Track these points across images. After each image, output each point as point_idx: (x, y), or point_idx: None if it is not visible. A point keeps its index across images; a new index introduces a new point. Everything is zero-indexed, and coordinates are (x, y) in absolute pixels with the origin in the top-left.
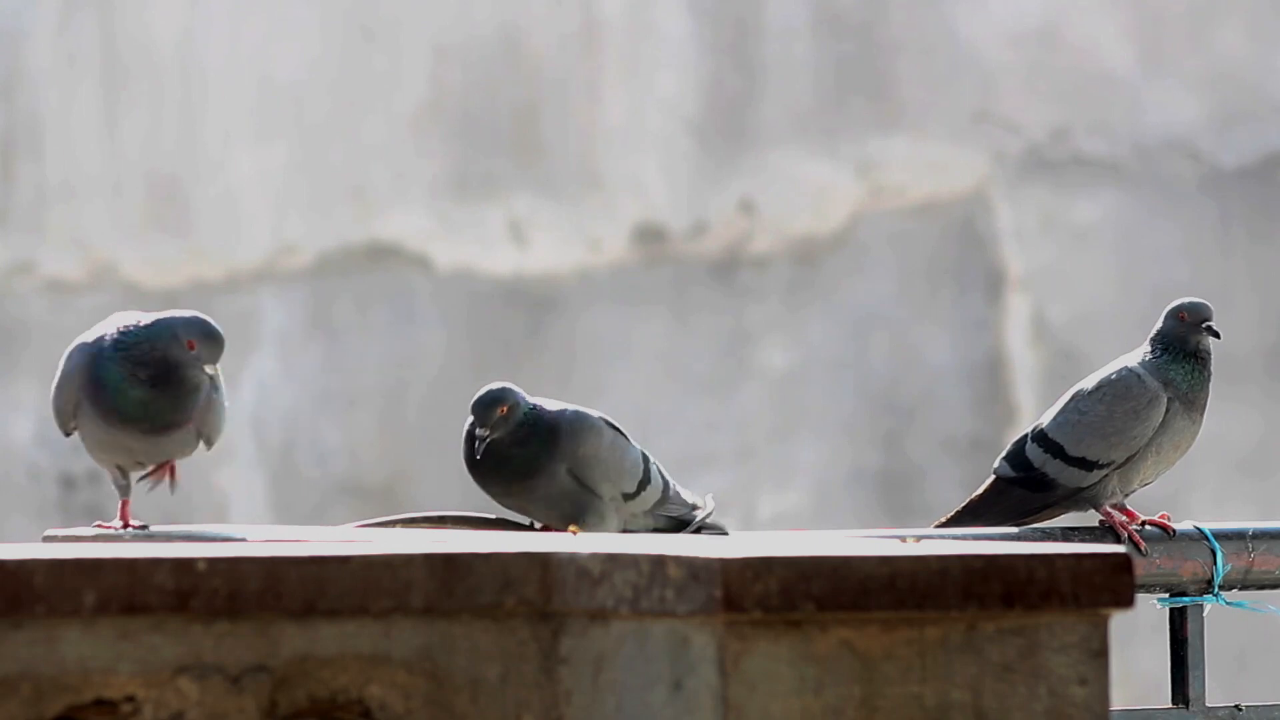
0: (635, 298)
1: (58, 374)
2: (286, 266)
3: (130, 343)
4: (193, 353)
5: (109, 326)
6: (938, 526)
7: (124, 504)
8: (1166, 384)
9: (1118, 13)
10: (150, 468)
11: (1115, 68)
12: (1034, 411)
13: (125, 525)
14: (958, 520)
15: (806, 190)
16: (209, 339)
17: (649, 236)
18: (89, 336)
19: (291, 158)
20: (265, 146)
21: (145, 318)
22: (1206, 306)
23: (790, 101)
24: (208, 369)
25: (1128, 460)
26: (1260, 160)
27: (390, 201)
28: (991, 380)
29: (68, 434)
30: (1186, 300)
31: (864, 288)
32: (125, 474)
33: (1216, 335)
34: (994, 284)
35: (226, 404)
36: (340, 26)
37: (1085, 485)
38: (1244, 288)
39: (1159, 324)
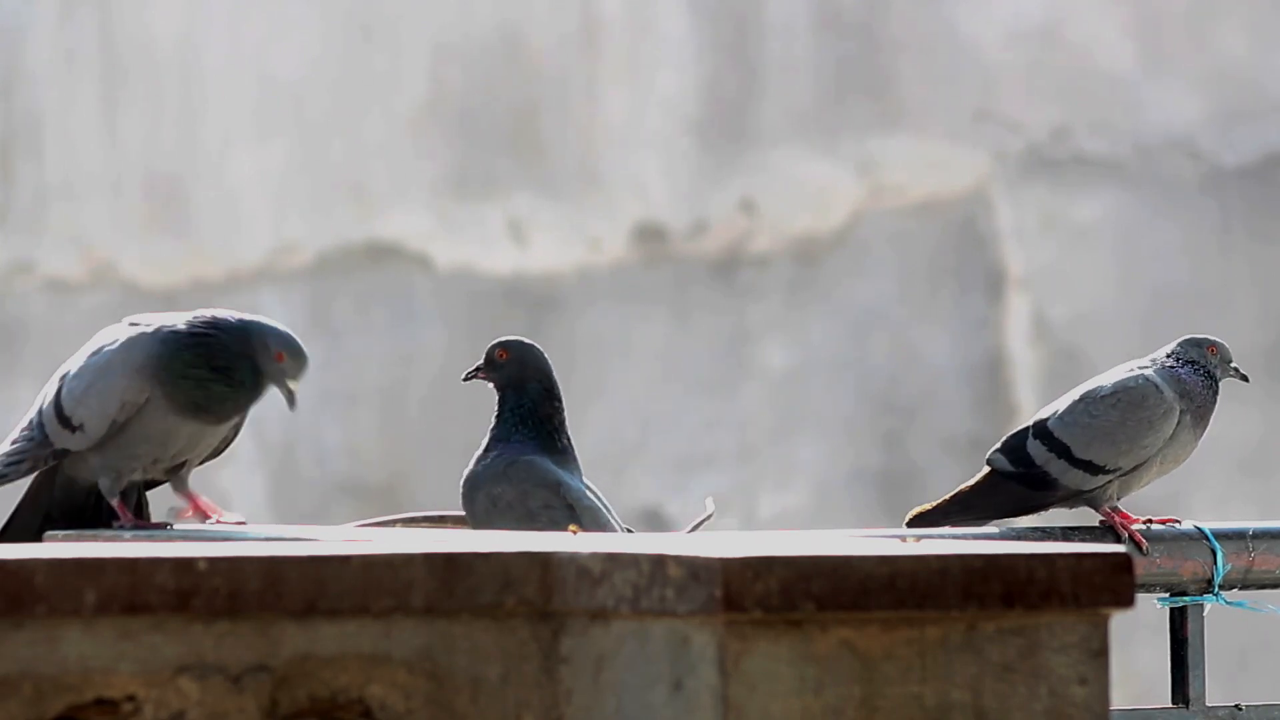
0: (635, 297)
1: (114, 368)
2: (286, 266)
3: (212, 338)
4: (280, 364)
5: (173, 320)
6: (920, 513)
7: (122, 505)
8: (1182, 395)
9: (1118, 12)
10: (187, 507)
11: (1115, 67)
12: (1034, 412)
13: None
14: (945, 509)
15: (807, 190)
16: (297, 356)
17: (649, 236)
18: (145, 329)
19: (291, 157)
20: (265, 146)
21: (230, 315)
22: (1229, 349)
23: (790, 101)
24: (290, 384)
25: (1134, 469)
26: (1260, 160)
27: (390, 201)
28: (991, 380)
29: (104, 433)
30: (1208, 337)
31: (864, 287)
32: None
33: (1245, 379)
34: (994, 284)
35: None
36: (340, 26)
37: (1087, 488)
38: (1244, 288)
39: (1179, 350)
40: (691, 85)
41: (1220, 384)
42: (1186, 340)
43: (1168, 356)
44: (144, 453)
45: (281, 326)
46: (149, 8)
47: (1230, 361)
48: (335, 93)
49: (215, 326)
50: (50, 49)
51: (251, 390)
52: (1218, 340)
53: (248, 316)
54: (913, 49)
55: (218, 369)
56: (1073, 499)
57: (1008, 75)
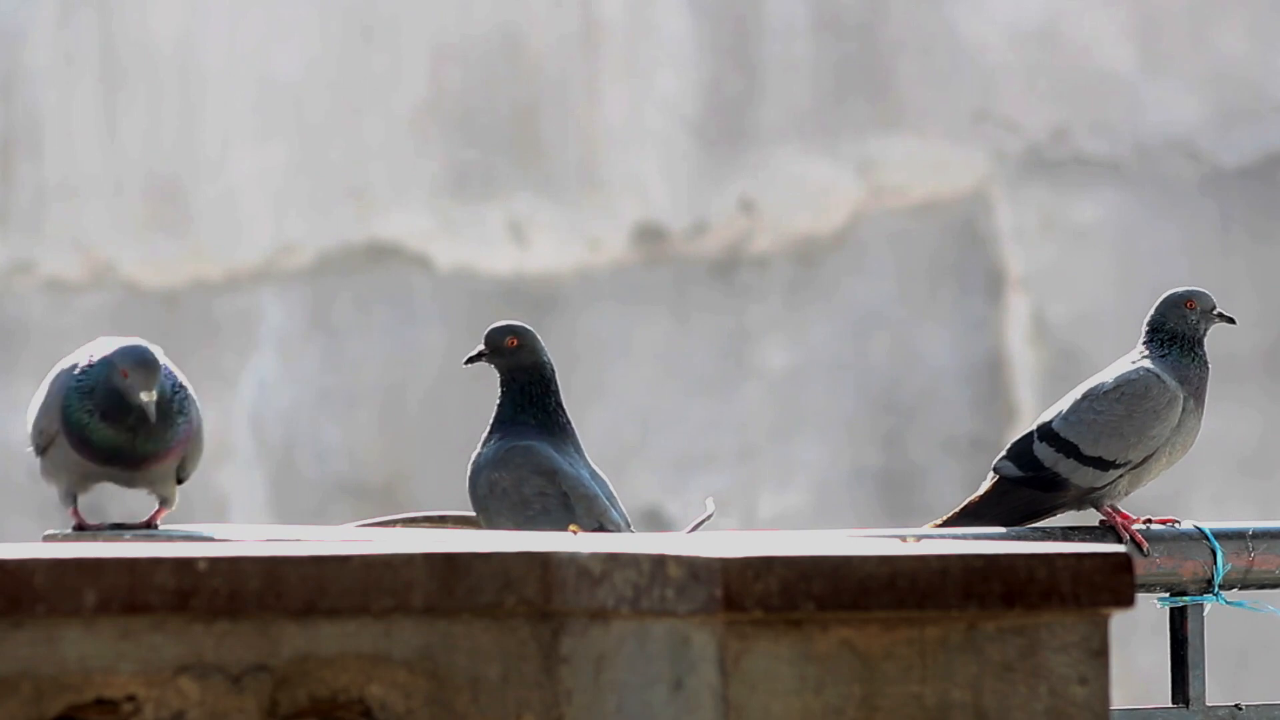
0: (635, 298)
1: (40, 396)
2: (286, 266)
3: (83, 379)
4: (127, 380)
5: (83, 355)
6: (932, 529)
7: (75, 509)
8: (1182, 382)
9: (1118, 13)
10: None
11: (1115, 68)
12: (1034, 411)
13: (81, 526)
14: (956, 522)
15: (806, 190)
16: (140, 365)
17: (649, 236)
18: (67, 364)
19: (291, 158)
20: (265, 146)
21: (97, 351)
22: (1208, 295)
23: (790, 101)
24: (143, 395)
25: (1144, 460)
26: (1260, 160)
27: (390, 201)
28: (991, 380)
29: (40, 454)
30: (1184, 290)
31: (864, 288)
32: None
33: (1232, 320)
34: (994, 284)
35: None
36: (340, 26)
37: (1099, 485)
38: (1244, 288)
39: (1159, 317)
40: (691, 85)
41: (1210, 367)
42: (1165, 304)
43: (1154, 341)
44: (78, 486)
45: (127, 342)
46: (149, 8)
47: (1213, 309)
48: (335, 93)
49: (86, 370)
50: (50, 49)
51: (143, 425)
52: (1195, 291)
53: (108, 348)
54: (913, 49)
55: (99, 412)
56: (1083, 498)
57: (1008, 75)
